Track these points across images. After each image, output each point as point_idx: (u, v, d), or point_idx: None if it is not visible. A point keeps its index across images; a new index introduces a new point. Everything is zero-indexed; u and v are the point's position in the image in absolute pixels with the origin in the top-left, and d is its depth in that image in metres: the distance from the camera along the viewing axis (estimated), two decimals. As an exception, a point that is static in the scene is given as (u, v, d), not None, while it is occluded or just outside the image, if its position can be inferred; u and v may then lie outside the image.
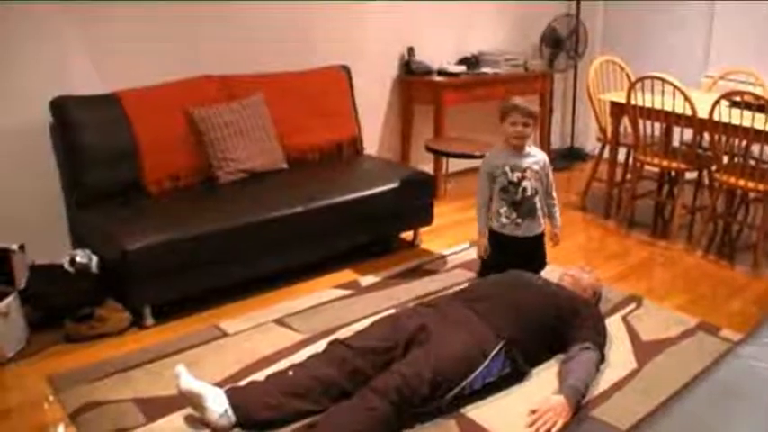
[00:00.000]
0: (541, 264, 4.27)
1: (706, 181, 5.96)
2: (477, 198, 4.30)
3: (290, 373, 3.22)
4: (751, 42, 6.40)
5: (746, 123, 4.66)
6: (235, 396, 3.10)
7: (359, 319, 4.02)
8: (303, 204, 4.44)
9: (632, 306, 4.31)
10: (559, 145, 7.99)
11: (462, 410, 3.21)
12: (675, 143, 5.73)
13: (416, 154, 6.47)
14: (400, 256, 5.04)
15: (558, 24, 7.06)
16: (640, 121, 5.38)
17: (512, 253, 4.16)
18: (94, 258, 4.10)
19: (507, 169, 4.13)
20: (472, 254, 4.96)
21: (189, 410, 3.15)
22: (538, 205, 4.19)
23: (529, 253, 4.21)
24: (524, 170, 4.14)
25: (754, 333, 2.99)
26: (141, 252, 3.83)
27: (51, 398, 3.36)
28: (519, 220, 4.15)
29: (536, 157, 4.20)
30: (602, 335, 3.63)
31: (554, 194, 4.34)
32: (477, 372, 3.22)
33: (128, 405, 3.26)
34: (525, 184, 4.14)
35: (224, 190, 4.62)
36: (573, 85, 7.68)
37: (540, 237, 4.26)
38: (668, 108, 5.12)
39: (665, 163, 5.40)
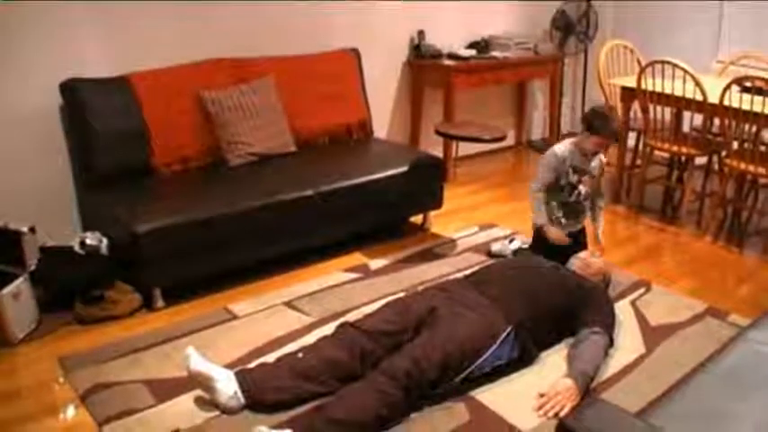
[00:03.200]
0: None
1: (716, 166, 5.94)
2: (534, 185, 4.27)
3: (300, 355, 3.23)
4: (762, 27, 6.36)
5: (757, 108, 4.64)
6: (244, 378, 3.12)
7: (368, 303, 4.04)
8: (313, 188, 4.44)
9: (641, 291, 4.31)
10: (569, 129, 7.96)
11: (471, 393, 3.23)
12: (686, 128, 5.71)
13: (426, 137, 6.46)
14: (410, 240, 5.04)
15: (568, 8, 7.03)
16: (651, 106, 5.36)
17: (547, 249, 4.21)
18: (104, 240, 4.11)
19: (570, 170, 4.19)
20: (482, 237, 4.98)
21: (198, 392, 3.17)
22: (586, 209, 4.32)
23: (564, 249, 4.23)
24: (584, 174, 4.21)
25: (762, 318, 2.99)
26: (151, 234, 3.84)
27: (62, 379, 3.38)
28: (563, 220, 4.23)
29: (596, 161, 4.26)
30: (611, 319, 3.64)
31: (603, 194, 4.46)
32: (487, 355, 3.23)
33: (137, 386, 3.28)
34: (581, 187, 4.23)
35: (234, 173, 4.62)
36: (583, 69, 7.65)
37: (578, 233, 4.34)
38: (679, 93, 5.10)
39: (674, 148, 5.39)
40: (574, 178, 4.22)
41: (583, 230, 4.37)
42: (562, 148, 4.23)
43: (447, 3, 6.46)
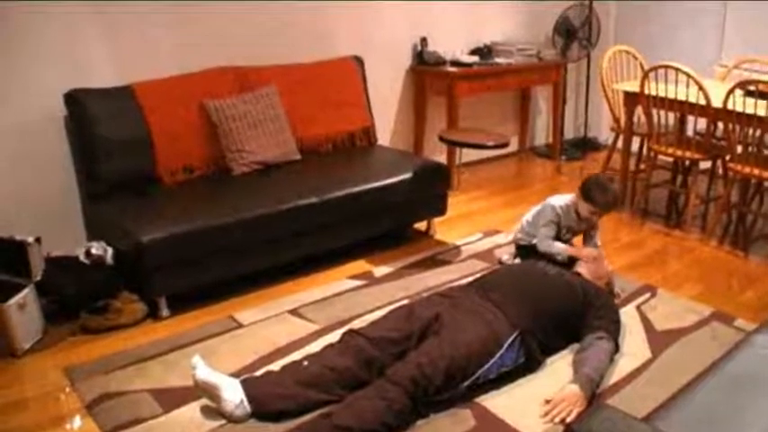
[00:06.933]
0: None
1: (720, 170, 5.94)
2: (543, 242, 4.34)
3: (306, 363, 3.23)
4: (765, 31, 6.35)
5: (761, 112, 4.64)
6: (250, 386, 3.12)
7: (373, 310, 4.04)
8: (317, 195, 4.44)
9: (646, 296, 4.31)
10: (573, 135, 7.97)
11: (477, 399, 3.22)
12: (689, 132, 5.71)
13: (429, 144, 6.48)
14: (414, 247, 5.04)
15: (570, 14, 7.04)
16: (654, 111, 5.36)
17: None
18: (110, 250, 4.12)
19: (564, 230, 4.35)
20: (486, 244, 4.98)
21: (205, 401, 3.16)
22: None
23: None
24: (575, 233, 4.42)
25: (768, 322, 2.99)
26: (156, 243, 3.84)
27: (68, 389, 3.38)
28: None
29: (589, 222, 4.38)
30: (616, 324, 3.64)
31: (595, 239, 4.50)
32: (492, 361, 3.23)
33: (144, 396, 3.28)
34: (572, 242, 4.42)
35: (238, 181, 4.63)
36: (586, 75, 7.66)
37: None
38: (682, 97, 5.10)
39: (678, 152, 5.38)
40: (566, 236, 4.39)
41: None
42: (561, 203, 4.35)
43: (449, 10, 6.47)
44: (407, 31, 6.26)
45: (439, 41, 6.40)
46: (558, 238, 4.35)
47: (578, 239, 4.50)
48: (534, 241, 4.38)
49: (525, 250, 4.50)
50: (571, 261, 4.21)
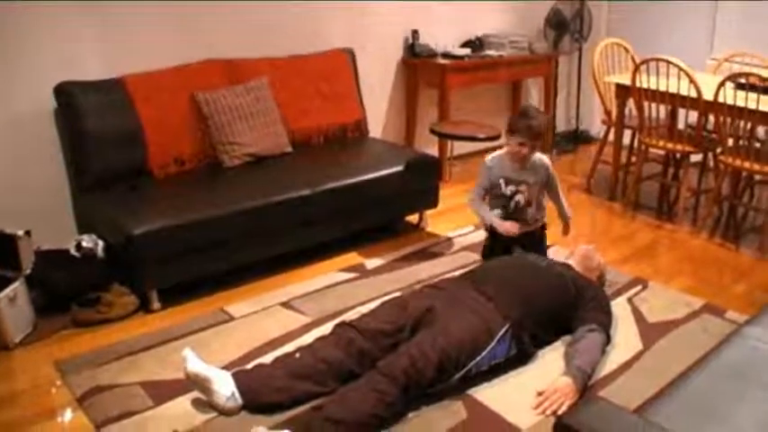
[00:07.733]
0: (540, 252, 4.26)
1: (711, 163, 5.94)
2: (469, 194, 4.28)
3: (297, 355, 3.23)
4: (756, 25, 6.36)
5: (752, 105, 4.64)
6: (242, 379, 3.11)
7: (365, 302, 4.04)
8: (308, 188, 4.43)
9: (638, 288, 4.31)
10: (565, 127, 7.97)
11: (469, 392, 3.23)
12: (680, 125, 5.71)
13: (421, 137, 6.46)
14: (406, 239, 5.04)
15: (562, 6, 7.03)
16: (645, 104, 5.36)
17: (508, 243, 4.19)
18: (100, 243, 4.10)
19: (502, 182, 4.14)
20: (478, 236, 4.97)
21: (196, 394, 3.16)
22: (530, 214, 4.19)
23: (524, 245, 4.18)
24: (519, 184, 4.13)
25: (759, 314, 2.99)
26: (147, 236, 3.83)
27: (59, 382, 3.37)
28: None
29: (535, 171, 4.15)
30: (608, 316, 3.64)
31: (561, 199, 4.35)
32: (484, 353, 3.23)
33: (135, 389, 3.28)
34: (518, 197, 4.15)
35: (229, 174, 4.62)
36: (578, 68, 7.66)
37: (534, 232, 4.26)
38: (673, 90, 5.10)
39: (670, 145, 5.39)
40: (507, 190, 4.14)
41: (535, 231, 4.30)
42: (493, 155, 4.21)
43: (441, 2, 6.46)
44: (399, 23, 6.25)
45: (430, 34, 6.39)
46: (502, 195, 4.15)
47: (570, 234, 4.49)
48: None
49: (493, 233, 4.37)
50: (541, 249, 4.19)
